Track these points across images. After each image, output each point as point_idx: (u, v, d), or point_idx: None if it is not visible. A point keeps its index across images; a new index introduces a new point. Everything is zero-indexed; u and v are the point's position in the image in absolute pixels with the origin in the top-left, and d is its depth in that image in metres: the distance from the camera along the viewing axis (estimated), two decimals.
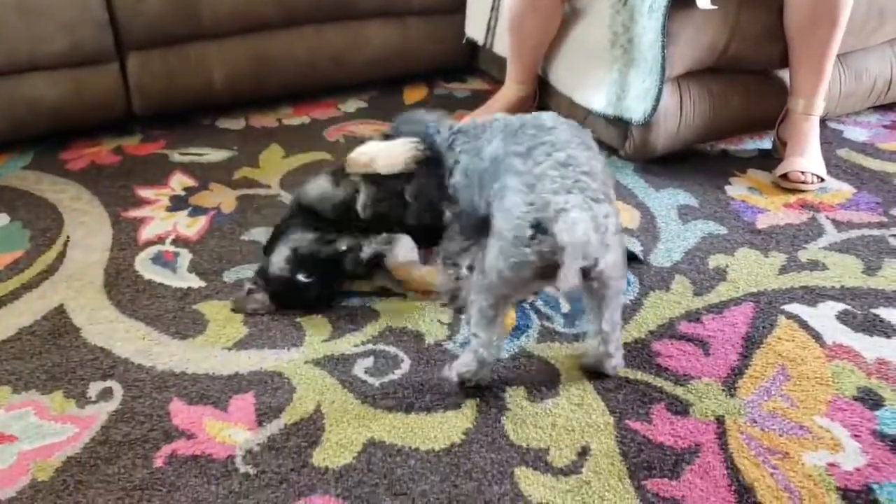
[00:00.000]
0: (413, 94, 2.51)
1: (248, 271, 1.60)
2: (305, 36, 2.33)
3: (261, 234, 1.72)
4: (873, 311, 1.44)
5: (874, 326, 1.40)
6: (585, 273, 1.13)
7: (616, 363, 1.30)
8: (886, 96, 2.21)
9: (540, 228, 1.11)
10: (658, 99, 1.80)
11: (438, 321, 1.45)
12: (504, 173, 1.21)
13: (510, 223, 1.14)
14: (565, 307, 1.48)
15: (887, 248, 1.63)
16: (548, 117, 1.28)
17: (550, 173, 1.15)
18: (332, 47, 2.37)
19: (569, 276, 1.08)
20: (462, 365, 1.28)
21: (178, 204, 1.87)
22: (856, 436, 1.18)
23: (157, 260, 1.65)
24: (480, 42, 2.40)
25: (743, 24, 1.82)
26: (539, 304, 1.48)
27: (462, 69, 2.64)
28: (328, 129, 2.27)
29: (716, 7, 1.75)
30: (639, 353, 1.36)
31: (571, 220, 1.09)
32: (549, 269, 1.11)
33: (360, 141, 1.49)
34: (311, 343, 1.40)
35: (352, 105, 2.43)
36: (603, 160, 1.24)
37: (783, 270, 1.57)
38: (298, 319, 1.46)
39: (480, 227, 1.27)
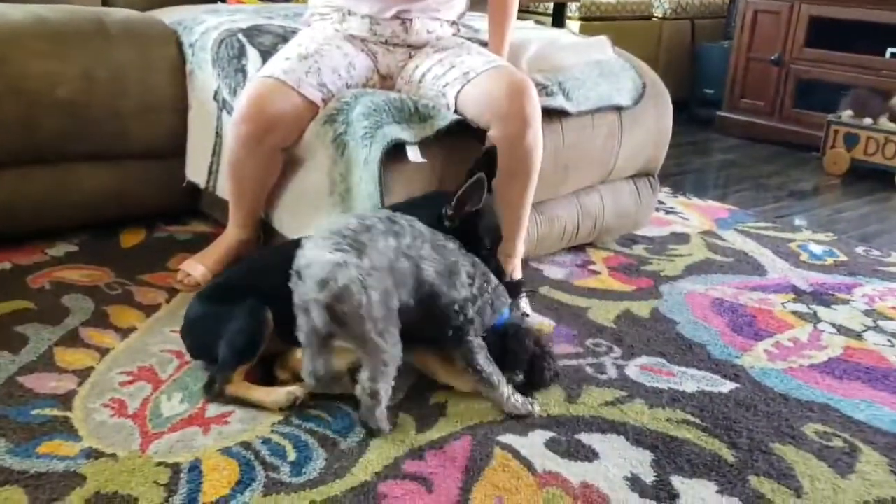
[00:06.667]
0: (131, 238, 2.40)
1: None
2: (5, 180, 2.17)
3: None
4: (576, 436, 1.57)
5: (577, 451, 1.52)
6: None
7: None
8: (576, 238, 2.48)
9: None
10: None
11: (155, 482, 1.35)
12: None
13: None
14: (292, 454, 1.45)
15: (584, 376, 1.79)
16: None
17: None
18: (36, 192, 2.21)
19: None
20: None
21: None
22: None
23: None
24: (202, 185, 2.38)
25: (447, 175, 1.97)
26: (265, 453, 1.44)
27: (184, 211, 2.58)
28: (33, 276, 2.09)
29: (425, 161, 1.89)
30: (365, 497, 1.35)
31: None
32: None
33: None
34: None
35: (61, 249, 2.27)
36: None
37: None
38: None
39: None
